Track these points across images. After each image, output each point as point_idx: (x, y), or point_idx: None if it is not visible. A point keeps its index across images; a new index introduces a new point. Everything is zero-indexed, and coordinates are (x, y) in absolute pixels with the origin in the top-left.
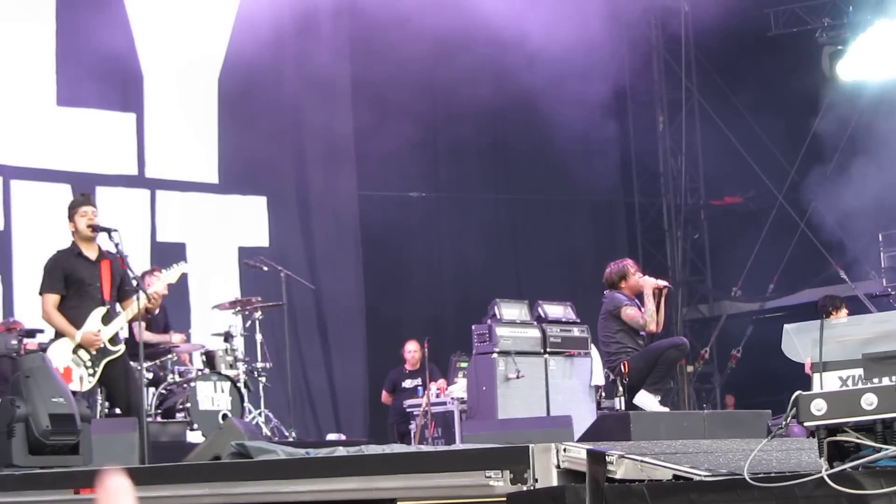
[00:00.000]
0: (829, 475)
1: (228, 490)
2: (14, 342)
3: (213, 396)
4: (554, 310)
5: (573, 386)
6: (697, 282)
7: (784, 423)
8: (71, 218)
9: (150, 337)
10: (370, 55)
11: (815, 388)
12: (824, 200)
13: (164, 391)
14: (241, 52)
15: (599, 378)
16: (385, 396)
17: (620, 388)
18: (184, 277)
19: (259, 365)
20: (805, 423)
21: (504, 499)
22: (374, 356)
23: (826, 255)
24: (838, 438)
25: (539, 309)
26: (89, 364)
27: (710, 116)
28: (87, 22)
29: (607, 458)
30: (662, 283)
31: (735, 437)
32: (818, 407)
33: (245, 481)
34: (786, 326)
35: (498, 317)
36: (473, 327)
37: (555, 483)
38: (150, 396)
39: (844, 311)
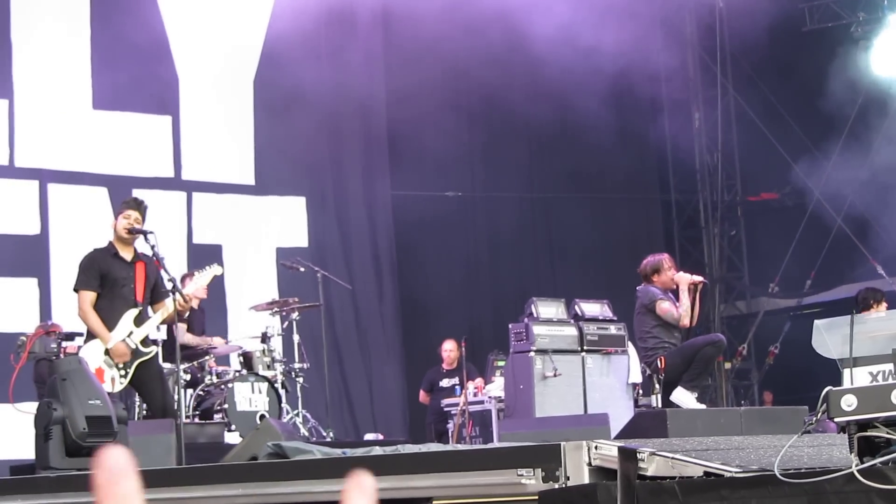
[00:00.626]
0: (859, 470)
1: (263, 490)
2: (53, 345)
3: (250, 397)
4: (591, 308)
5: (610, 384)
6: (734, 278)
7: (815, 419)
8: (116, 216)
9: (189, 338)
10: (405, 54)
11: (846, 384)
12: (862, 195)
13: (201, 392)
14: (275, 53)
15: (637, 376)
16: (423, 396)
17: (657, 385)
18: (220, 279)
19: (296, 365)
20: (835, 419)
21: (536, 497)
22: (411, 356)
23: (863, 250)
24: (868, 434)
25: (576, 307)
26: (121, 366)
27: (745, 112)
28: (122, 25)
29: (639, 456)
30: (698, 278)
31: (772, 434)
32: (848, 402)
33: (279, 481)
34: (816, 322)
35: (535, 315)
36: (510, 326)
37: (586, 481)
38: (187, 398)
39: (885, 305)
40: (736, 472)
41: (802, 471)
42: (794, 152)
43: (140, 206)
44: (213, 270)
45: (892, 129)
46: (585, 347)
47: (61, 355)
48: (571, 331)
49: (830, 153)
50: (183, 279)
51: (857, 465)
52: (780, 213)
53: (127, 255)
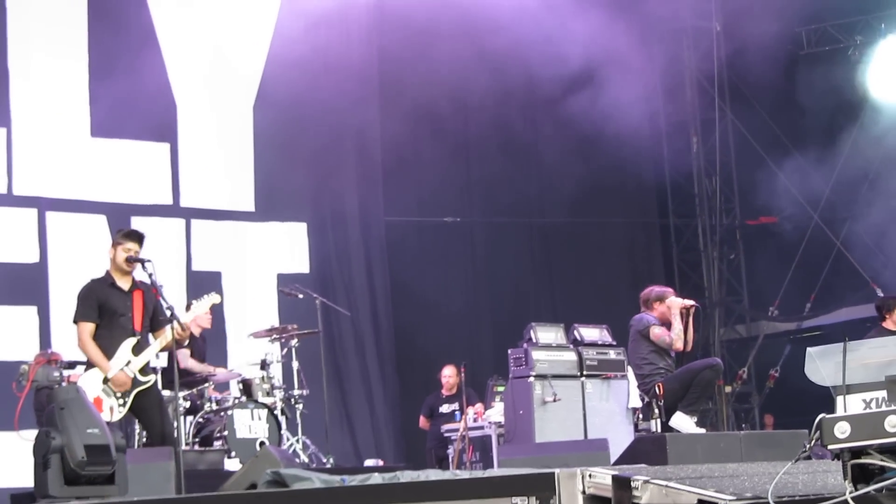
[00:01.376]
0: (853, 497)
1: None
2: (56, 374)
3: (250, 424)
4: (590, 333)
5: (610, 408)
6: (734, 302)
7: (808, 446)
8: (114, 246)
9: (193, 364)
10: (402, 79)
11: (839, 411)
12: (860, 219)
13: (201, 419)
14: (275, 80)
15: (636, 400)
16: (423, 421)
17: (656, 410)
18: (219, 306)
19: (296, 392)
20: (829, 446)
21: None
22: (410, 381)
23: (863, 273)
24: (862, 461)
25: (575, 332)
26: (119, 395)
27: (743, 136)
28: (120, 52)
29: (632, 484)
30: (689, 302)
31: (772, 458)
32: (842, 430)
33: None
34: (809, 350)
35: (534, 340)
36: (510, 351)
37: None
38: (187, 425)
39: None
40: (730, 500)
41: (797, 498)
42: (793, 176)
43: (140, 239)
44: (211, 299)
45: (890, 152)
46: (585, 372)
47: (64, 384)
48: (571, 356)
49: (829, 177)
50: (187, 308)
51: (850, 493)
52: (779, 236)
53: (124, 284)
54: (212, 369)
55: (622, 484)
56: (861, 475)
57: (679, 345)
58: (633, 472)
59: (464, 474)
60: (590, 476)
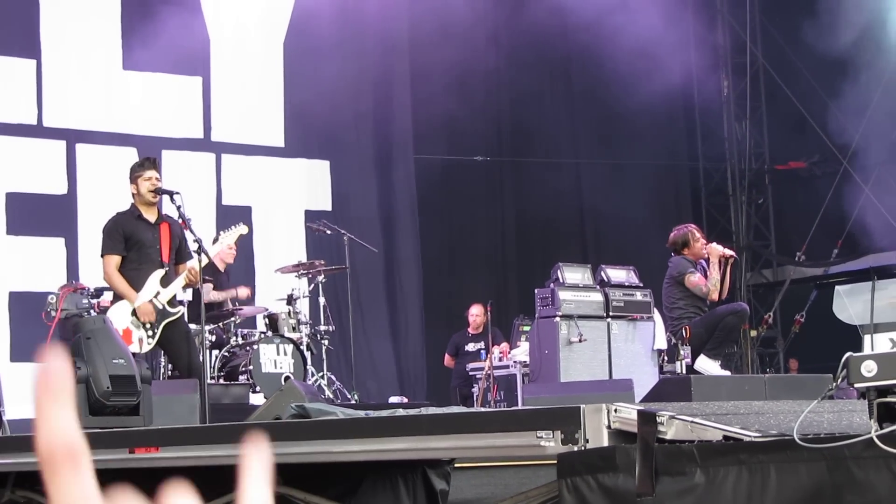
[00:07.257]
0: (878, 436)
1: (280, 450)
2: (84, 301)
3: (275, 359)
4: (617, 274)
5: (635, 350)
6: (761, 246)
7: (834, 384)
8: (133, 181)
9: (215, 295)
10: (431, 15)
11: (866, 350)
12: (889, 164)
13: (227, 353)
14: (305, 16)
15: (662, 342)
16: (448, 360)
17: (682, 353)
18: (248, 241)
19: (322, 328)
20: (855, 385)
21: (555, 459)
22: (436, 320)
23: (890, 219)
24: (888, 400)
25: (602, 273)
26: (148, 326)
27: (774, 81)
28: None
29: (658, 419)
30: (729, 252)
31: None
32: (868, 368)
33: (297, 441)
34: (837, 288)
35: (561, 280)
36: (536, 291)
37: (605, 443)
38: (213, 358)
39: None
40: (755, 437)
41: (822, 436)
42: (823, 121)
43: (155, 164)
44: (239, 230)
45: None
46: (611, 313)
47: (93, 311)
48: (597, 296)
49: (859, 123)
50: (214, 241)
51: (876, 431)
52: (808, 181)
53: (151, 216)
54: (234, 293)
55: (647, 419)
56: (887, 414)
57: (714, 295)
58: (658, 407)
59: (482, 410)
60: (615, 411)
